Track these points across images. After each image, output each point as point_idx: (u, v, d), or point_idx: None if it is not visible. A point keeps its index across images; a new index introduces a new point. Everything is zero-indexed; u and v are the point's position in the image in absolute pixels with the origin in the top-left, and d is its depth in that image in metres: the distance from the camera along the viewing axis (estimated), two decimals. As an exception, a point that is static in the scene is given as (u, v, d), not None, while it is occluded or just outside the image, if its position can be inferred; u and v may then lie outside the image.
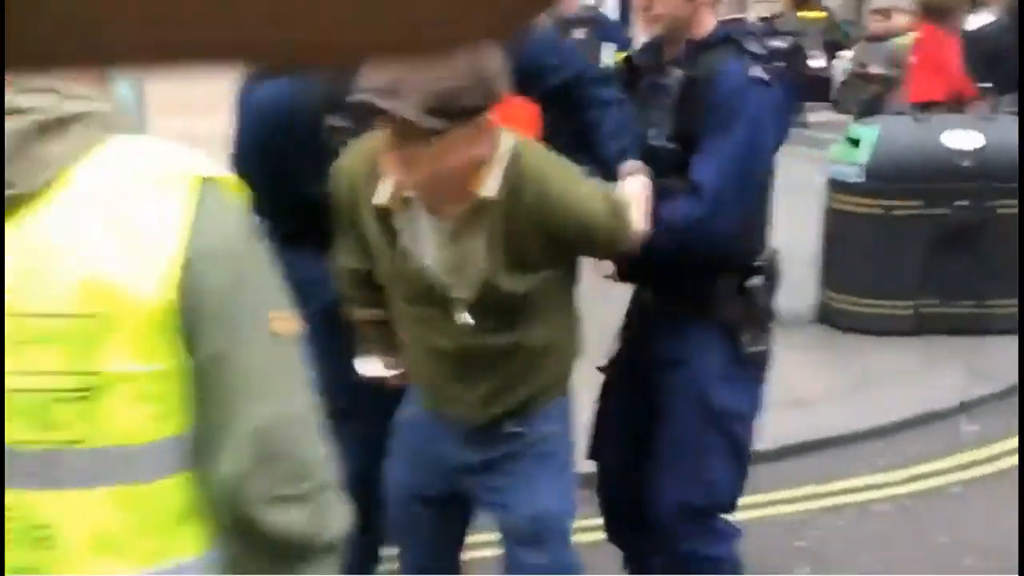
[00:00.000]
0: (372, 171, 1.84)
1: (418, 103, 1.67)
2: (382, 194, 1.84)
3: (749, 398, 2.34)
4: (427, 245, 1.89)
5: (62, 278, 1.02)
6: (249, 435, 1.05)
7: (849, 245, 4.91)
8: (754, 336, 2.27)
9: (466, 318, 1.88)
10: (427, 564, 2.12)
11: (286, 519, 1.06)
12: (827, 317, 4.95)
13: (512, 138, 1.89)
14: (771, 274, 2.34)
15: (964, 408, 4.14)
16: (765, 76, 2.13)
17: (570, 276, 2.02)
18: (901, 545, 3.25)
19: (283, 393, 1.09)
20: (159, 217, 1.04)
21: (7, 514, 1.06)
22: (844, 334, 4.81)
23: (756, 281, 2.27)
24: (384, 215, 1.87)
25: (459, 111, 1.72)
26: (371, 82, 1.67)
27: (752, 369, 2.32)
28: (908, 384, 4.32)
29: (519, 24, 0.28)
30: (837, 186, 4.97)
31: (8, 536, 1.05)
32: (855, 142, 4.96)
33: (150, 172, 1.07)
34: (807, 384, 4.14)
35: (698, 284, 2.26)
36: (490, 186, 1.83)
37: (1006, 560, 2.71)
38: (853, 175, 4.86)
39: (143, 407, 1.05)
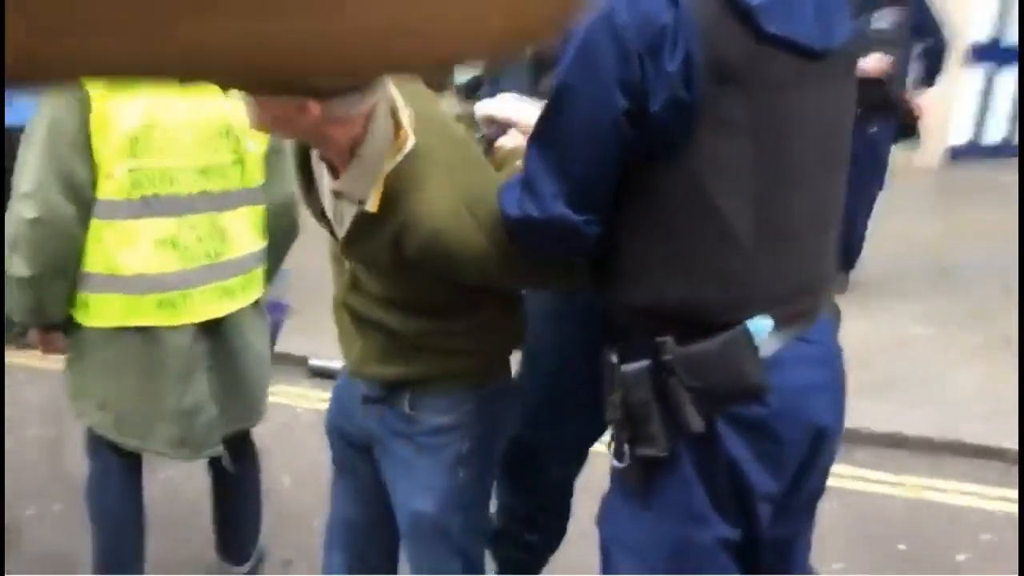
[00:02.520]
0: None
1: None
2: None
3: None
4: (324, 191, 1.79)
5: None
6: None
7: None
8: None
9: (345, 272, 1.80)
10: (353, 508, 2.07)
11: None
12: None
13: (407, 135, 1.62)
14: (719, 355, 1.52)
15: None
16: None
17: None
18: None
19: None
20: None
21: (194, 233, 2.30)
22: None
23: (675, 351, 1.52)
24: (304, 156, 1.83)
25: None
26: None
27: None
28: None
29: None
30: None
31: (201, 235, 2.31)
32: None
33: None
34: None
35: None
36: (370, 199, 1.62)
37: None
38: None
39: (259, 171, 2.38)
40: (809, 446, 1.62)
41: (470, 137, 1.78)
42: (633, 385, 1.54)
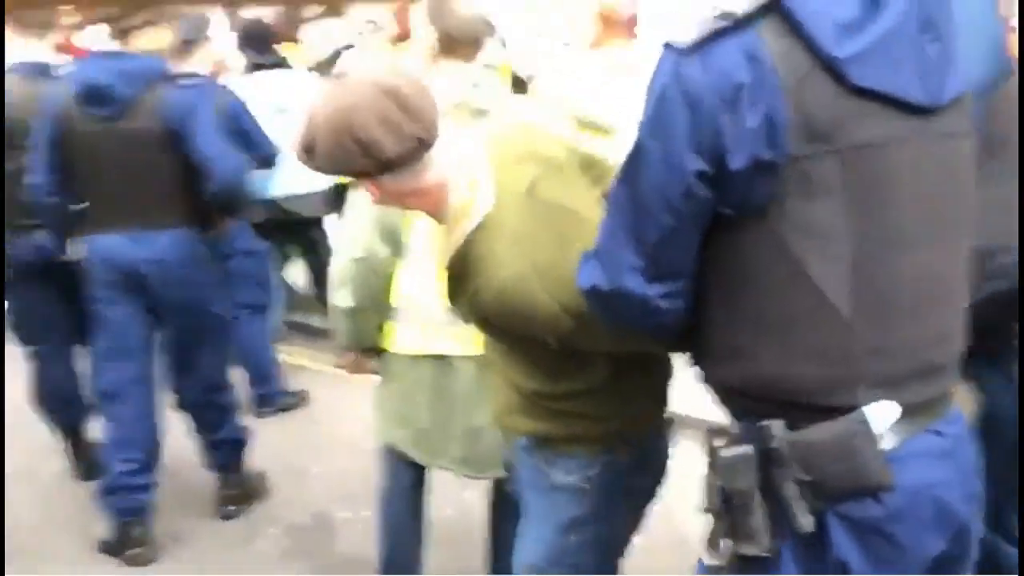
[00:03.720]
0: None
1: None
2: None
3: None
4: None
5: None
6: None
7: None
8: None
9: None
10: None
11: None
12: None
13: (478, 205, 1.72)
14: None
15: None
16: None
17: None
18: None
19: None
20: None
21: None
22: None
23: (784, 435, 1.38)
24: None
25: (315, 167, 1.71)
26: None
27: None
28: None
29: None
30: None
31: None
32: None
33: None
34: None
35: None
36: (447, 263, 1.78)
37: None
38: None
39: None
40: (936, 554, 1.42)
41: (555, 206, 1.77)
42: (734, 472, 1.39)
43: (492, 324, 1.77)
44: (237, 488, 3.70)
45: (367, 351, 2.68)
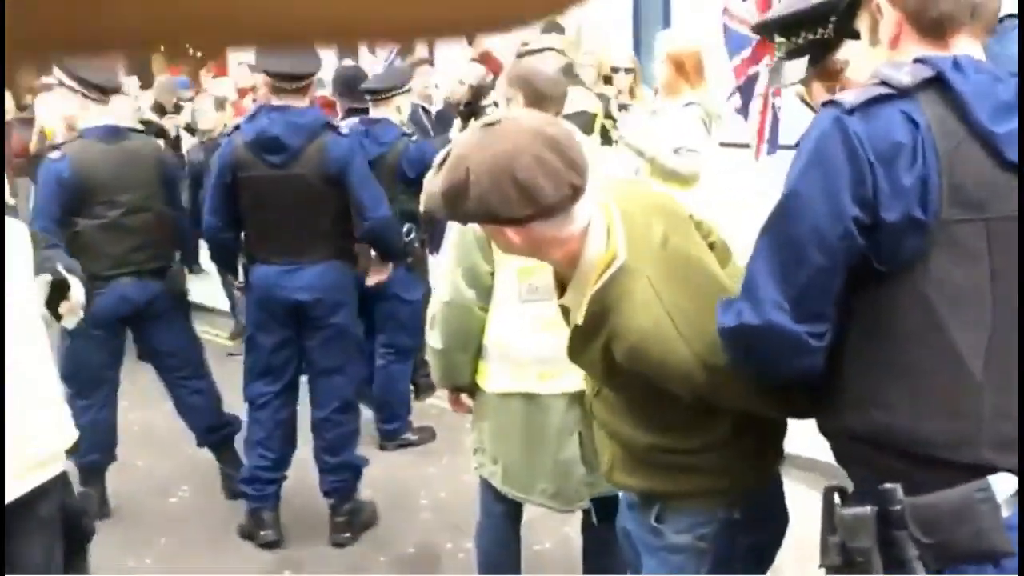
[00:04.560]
0: None
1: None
2: None
3: None
4: None
5: None
6: None
7: None
8: None
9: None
10: None
11: None
12: None
13: (616, 253, 1.69)
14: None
15: None
16: None
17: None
18: None
19: None
20: None
21: None
22: None
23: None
24: None
25: (459, 213, 1.70)
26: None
27: None
28: None
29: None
30: None
31: None
32: None
33: None
34: None
35: None
36: (580, 312, 1.72)
37: None
38: None
39: None
40: None
41: (692, 247, 1.80)
42: (855, 531, 1.43)
43: (620, 376, 1.73)
44: (349, 516, 3.88)
45: (459, 389, 2.80)
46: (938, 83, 1.37)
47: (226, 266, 3.90)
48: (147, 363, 5.94)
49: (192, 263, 5.35)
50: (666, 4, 10.82)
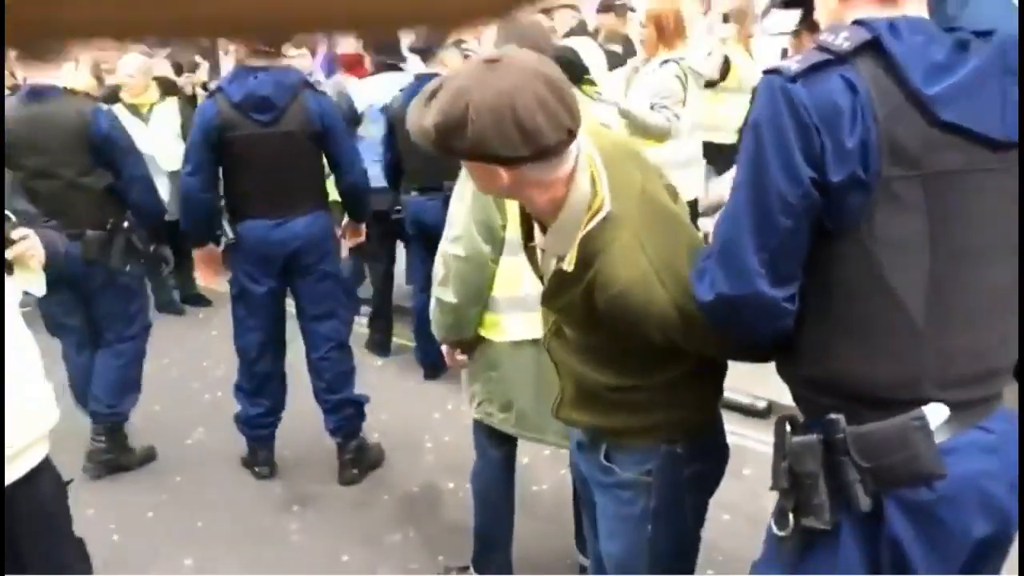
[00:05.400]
0: None
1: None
2: None
3: None
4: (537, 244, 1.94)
5: None
6: None
7: None
8: None
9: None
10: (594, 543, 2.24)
11: None
12: None
13: (603, 200, 1.70)
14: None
15: None
16: None
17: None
18: None
19: None
20: None
21: None
22: None
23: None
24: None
25: (450, 149, 1.63)
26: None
27: None
28: None
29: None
30: None
31: None
32: None
33: None
34: None
35: None
36: (567, 258, 1.73)
37: None
38: None
39: None
40: (981, 536, 1.55)
41: (663, 207, 1.81)
42: (802, 456, 1.56)
43: (595, 321, 1.75)
44: (356, 454, 4.06)
45: (461, 343, 2.80)
46: (875, 46, 1.44)
47: (200, 227, 3.87)
48: (162, 313, 6.13)
49: (159, 237, 4.56)
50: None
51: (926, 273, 1.48)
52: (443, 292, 2.66)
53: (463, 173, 2.58)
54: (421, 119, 1.63)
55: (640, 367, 1.86)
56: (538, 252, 1.93)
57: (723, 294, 1.54)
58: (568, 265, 1.72)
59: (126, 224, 3.94)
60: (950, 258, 1.49)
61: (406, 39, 4.93)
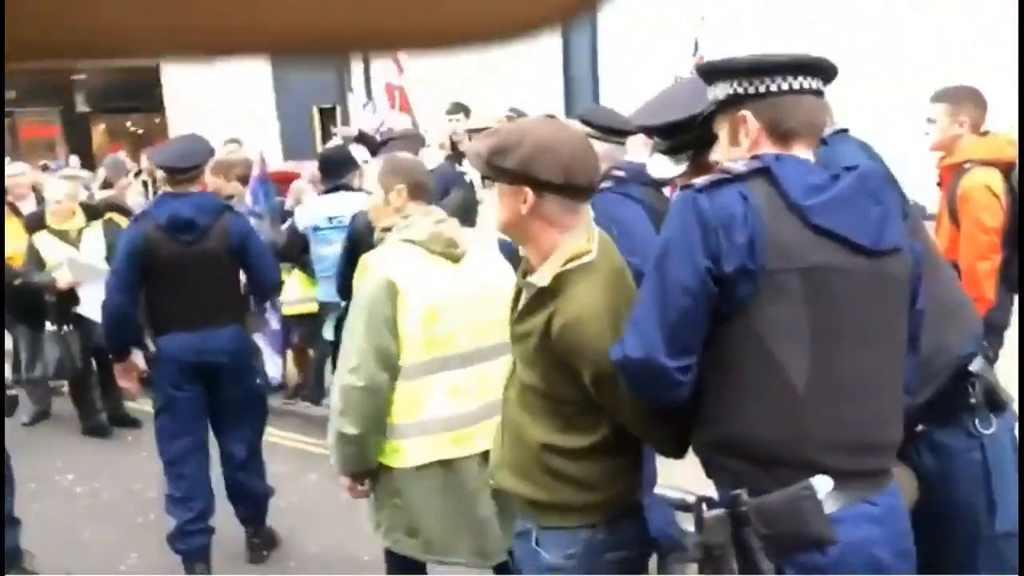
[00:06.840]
0: None
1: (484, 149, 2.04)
2: None
3: None
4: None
5: None
6: None
7: None
8: None
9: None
10: None
11: None
12: None
13: (592, 249, 2.01)
14: None
15: None
16: None
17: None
18: None
19: None
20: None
21: (473, 380, 2.71)
22: None
23: None
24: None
25: (496, 167, 1.99)
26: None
27: None
28: None
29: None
30: None
31: (476, 381, 2.72)
32: None
33: None
34: None
35: None
36: (545, 273, 1.99)
37: None
38: None
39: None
40: None
41: (630, 286, 2.08)
42: (713, 529, 1.81)
43: (545, 352, 1.99)
44: (261, 538, 4.37)
45: (362, 475, 2.82)
46: (765, 172, 1.78)
47: (126, 341, 4.09)
48: (91, 437, 6.05)
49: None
50: (593, 61, 11.28)
51: (806, 349, 1.76)
52: (344, 424, 2.70)
53: (353, 306, 2.76)
54: (476, 148, 2.06)
55: (565, 424, 2.04)
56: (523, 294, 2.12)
57: (628, 355, 1.81)
58: (543, 282, 1.99)
59: None
60: (828, 338, 1.77)
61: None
